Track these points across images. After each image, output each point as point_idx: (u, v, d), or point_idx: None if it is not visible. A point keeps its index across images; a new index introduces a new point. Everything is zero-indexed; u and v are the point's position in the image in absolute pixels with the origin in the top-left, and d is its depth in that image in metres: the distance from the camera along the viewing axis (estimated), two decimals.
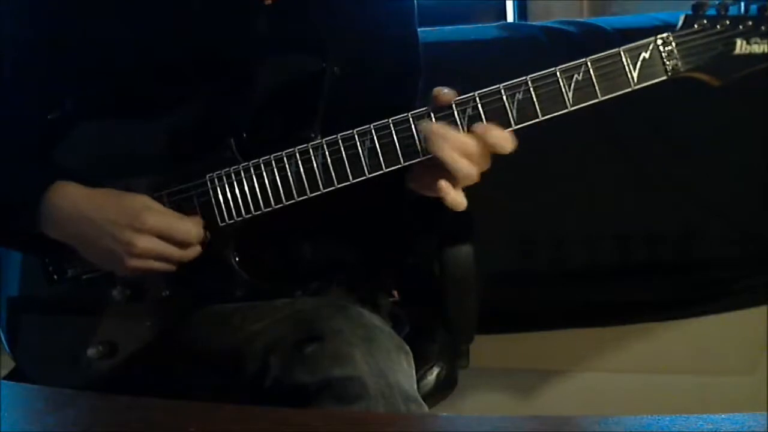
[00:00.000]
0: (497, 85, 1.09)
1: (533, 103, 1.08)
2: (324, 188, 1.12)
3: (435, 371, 1.39)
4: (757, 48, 1.08)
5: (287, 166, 1.13)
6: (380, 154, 1.10)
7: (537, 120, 1.09)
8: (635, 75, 1.08)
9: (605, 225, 1.88)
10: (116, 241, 1.12)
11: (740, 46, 1.08)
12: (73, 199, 1.15)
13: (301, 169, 1.12)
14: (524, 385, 2.08)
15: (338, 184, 1.12)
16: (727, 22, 1.08)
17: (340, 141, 1.11)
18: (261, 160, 1.14)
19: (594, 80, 1.08)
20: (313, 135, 1.13)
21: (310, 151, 1.12)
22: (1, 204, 1.19)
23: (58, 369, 1.22)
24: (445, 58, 1.75)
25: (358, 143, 1.11)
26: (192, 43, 1.20)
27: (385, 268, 1.38)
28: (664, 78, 1.08)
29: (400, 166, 1.10)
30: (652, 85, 1.09)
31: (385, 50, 1.27)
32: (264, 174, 1.14)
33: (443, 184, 1.07)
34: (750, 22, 1.08)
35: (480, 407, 2.02)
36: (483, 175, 1.10)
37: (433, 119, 1.09)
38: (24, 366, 1.26)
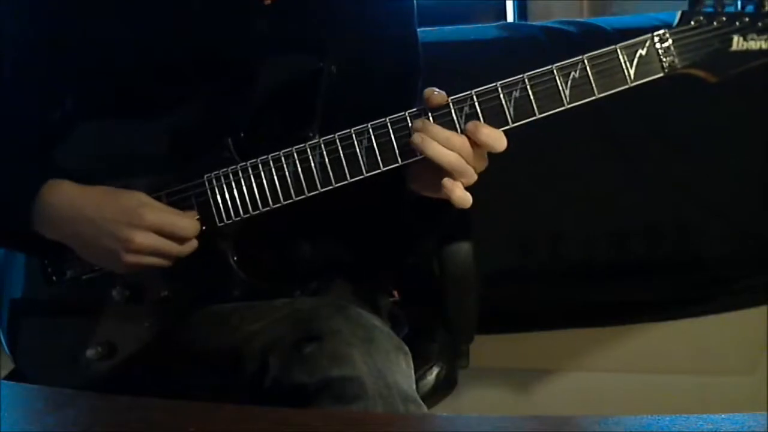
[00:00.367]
0: (494, 83, 1.08)
1: (530, 100, 1.08)
2: (322, 188, 1.12)
3: (435, 371, 1.39)
4: (754, 44, 1.07)
5: (285, 165, 1.13)
6: (378, 153, 1.10)
7: (534, 118, 1.09)
8: (632, 72, 1.08)
9: (605, 224, 1.88)
10: (114, 238, 1.11)
11: (737, 43, 1.08)
12: (67, 198, 1.15)
13: (299, 169, 1.12)
14: (524, 385, 2.08)
15: (336, 183, 1.11)
16: (724, 19, 1.08)
17: (337, 140, 1.11)
18: (259, 160, 1.14)
19: (591, 78, 1.08)
20: (311, 135, 1.13)
21: (308, 150, 1.12)
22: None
23: (57, 370, 1.22)
24: (445, 58, 1.75)
25: (355, 142, 1.11)
26: (191, 43, 1.20)
27: (384, 268, 1.39)
28: (661, 75, 1.08)
29: (397, 165, 1.10)
30: (649, 82, 1.09)
31: (384, 50, 1.27)
32: (262, 174, 1.14)
33: (448, 181, 1.07)
34: (746, 19, 1.08)
35: (480, 407, 2.02)
36: (481, 174, 1.10)
37: (431, 118, 1.09)
38: (23, 367, 1.26)
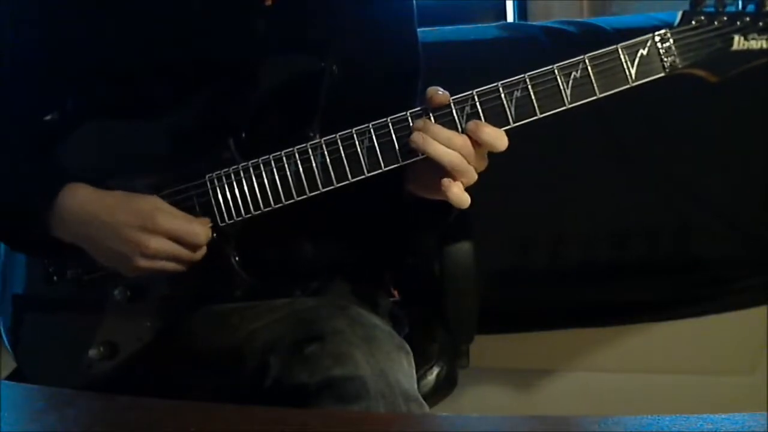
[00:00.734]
0: (495, 83, 1.08)
1: (531, 100, 1.08)
2: (323, 188, 1.12)
3: (435, 371, 1.39)
4: (755, 44, 1.08)
5: (286, 165, 1.13)
6: (379, 153, 1.10)
7: (535, 118, 1.09)
8: (633, 72, 1.08)
9: (605, 225, 1.88)
10: (128, 242, 1.12)
11: (738, 42, 1.08)
12: (82, 201, 1.15)
13: (300, 169, 1.12)
14: (524, 385, 2.08)
15: (337, 183, 1.12)
16: (725, 19, 1.08)
17: (338, 140, 1.11)
18: (260, 160, 1.14)
19: (592, 77, 1.08)
20: (312, 135, 1.13)
21: (309, 150, 1.12)
22: (11, 210, 1.19)
23: (59, 369, 1.22)
24: (445, 58, 1.75)
25: (356, 142, 1.11)
26: (192, 44, 1.20)
27: (385, 268, 1.39)
28: (662, 75, 1.08)
29: (398, 165, 1.10)
30: (650, 82, 1.09)
31: (384, 50, 1.27)
32: (263, 174, 1.14)
33: (446, 181, 1.07)
34: (747, 18, 1.08)
35: (480, 407, 2.02)
36: (482, 174, 1.10)
37: (432, 118, 1.09)
38: (25, 367, 1.26)
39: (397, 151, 1.10)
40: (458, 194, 1.07)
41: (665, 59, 1.08)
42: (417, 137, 1.07)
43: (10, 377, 1.31)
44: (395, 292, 1.39)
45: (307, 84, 1.16)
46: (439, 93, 1.08)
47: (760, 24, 1.07)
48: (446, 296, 1.45)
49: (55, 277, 1.23)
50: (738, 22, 1.08)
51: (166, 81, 1.19)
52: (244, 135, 1.17)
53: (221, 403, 0.91)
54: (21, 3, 1.26)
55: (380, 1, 1.32)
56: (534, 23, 2.04)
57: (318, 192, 1.12)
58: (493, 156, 1.10)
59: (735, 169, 1.87)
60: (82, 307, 1.21)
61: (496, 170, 1.11)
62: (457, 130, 1.08)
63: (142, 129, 1.20)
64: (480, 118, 1.08)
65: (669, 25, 1.10)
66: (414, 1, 1.34)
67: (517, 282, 1.89)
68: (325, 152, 1.12)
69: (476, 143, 1.07)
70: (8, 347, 1.27)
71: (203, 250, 1.15)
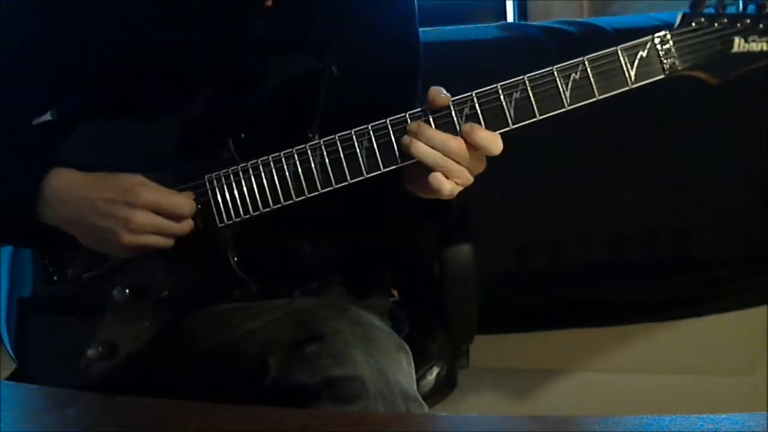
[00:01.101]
0: (494, 85, 1.08)
1: (530, 102, 1.08)
2: (322, 188, 1.12)
3: (435, 371, 1.39)
4: (755, 46, 1.07)
5: (285, 166, 1.13)
6: (378, 154, 1.10)
7: (534, 119, 1.09)
8: (633, 74, 1.08)
9: (605, 225, 1.88)
10: (112, 217, 1.12)
11: (738, 44, 1.08)
12: (69, 182, 1.15)
13: (300, 170, 1.12)
14: (524, 385, 2.08)
15: (336, 184, 1.11)
16: (725, 20, 1.08)
17: (338, 141, 1.11)
18: (259, 161, 1.14)
19: (591, 79, 1.08)
20: (311, 136, 1.13)
21: (308, 151, 1.12)
22: (3, 201, 1.19)
23: (58, 369, 1.22)
24: (445, 58, 1.75)
25: (356, 143, 1.11)
26: (192, 44, 1.20)
27: (384, 268, 1.39)
28: (662, 77, 1.08)
29: (397, 165, 1.10)
30: (650, 84, 1.09)
31: (384, 51, 1.27)
32: (262, 174, 1.14)
33: (437, 175, 1.07)
34: (748, 20, 1.07)
35: (480, 407, 2.02)
36: (482, 175, 1.10)
37: (431, 119, 1.09)
38: (26, 366, 1.26)
39: (396, 152, 1.10)
40: (443, 183, 1.07)
41: (665, 61, 1.08)
42: (405, 140, 1.07)
43: (10, 377, 1.31)
44: (395, 292, 1.39)
45: (307, 85, 1.16)
46: (442, 95, 1.08)
47: (761, 26, 1.07)
48: (446, 296, 1.45)
49: (55, 277, 1.23)
50: (738, 24, 1.08)
51: (165, 81, 1.19)
52: (243, 136, 1.17)
53: (221, 403, 0.91)
54: (21, 2, 1.26)
55: (381, 2, 1.32)
56: (534, 23, 2.04)
57: (317, 193, 1.12)
58: (493, 157, 1.10)
59: (735, 169, 1.87)
60: (82, 307, 1.21)
61: (496, 171, 1.11)
62: (455, 131, 1.08)
63: (142, 129, 1.20)
64: (479, 120, 1.08)
65: (669, 26, 1.10)
66: (415, 3, 1.34)
67: (517, 282, 1.89)
68: (324, 153, 1.12)
69: (471, 146, 1.07)
70: (8, 347, 1.27)
71: (189, 223, 1.14)
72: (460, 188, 1.09)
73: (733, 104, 1.76)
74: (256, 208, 1.14)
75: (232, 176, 1.15)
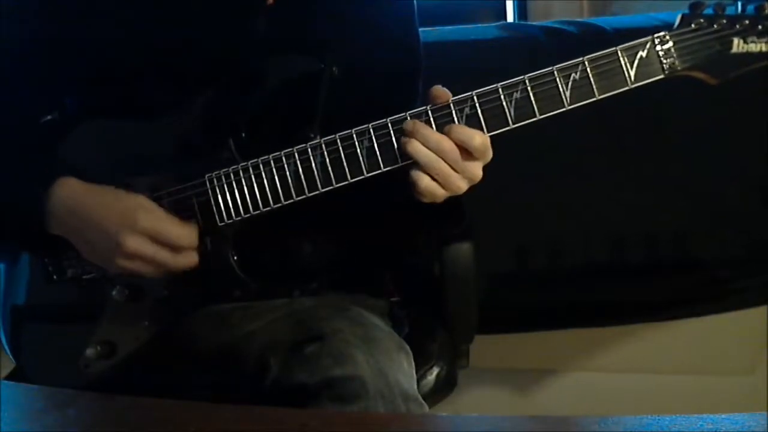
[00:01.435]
0: (495, 85, 1.09)
1: (531, 102, 1.08)
2: (322, 188, 1.12)
3: (435, 371, 1.39)
4: (754, 47, 1.08)
5: (286, 166, 1.13)
6: (378, 154, 1.10)
7: (534, 119, 1.09)
8: (632, 74, 1.08)
9: (605, 225, 1.88)
10: (108, 239, 1.11)
11: (737, 45, 1.08)
12: (73, 194, 1.15)
13: (300, 169, 1.12)
14: (524, 385, 2.08)
15: (337, 183, 1.12)
16: (724, 21, 1.08)
17: (338, 141, 1.11)
18: (260, 160, 1.14)
19: (591, 79, 1.08)
20: (312, 135, 1.13)
21: (309, 151, 1.12)
22: (4, 200, 1.19)
23: (57, 369, 1.22)
24: (445, 58, 1.75)
25: (356, 143, 1.11)
26: (193, 43, 1.20)
27: (385, 268, 1.38)
28: (662, 77, 1.09)
29: (398, 165, 1.10)
30: (649, 84, 1.09)
31: (384, 51, 1.27)
32: (263, 174, 1.14)
33: (414, 172, 1.07)
34: (747, 21, 1.08)
35: (480, 407, 2.02)
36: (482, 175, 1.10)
37: (432, 119, 1.09)
38: (24, 366, 1.26)
39: (397, 151, 1.10)
40: (428, 186, 1.07)
41: (664, 61, 1.08)
42: (402, 138, 1.08)
43: (9, 377, 1.31)
44: (395, 292, 1.39)
45: (308, 85, 1.16)
46: (442, 91, 1.09)
47: (759, 27, 1.07)
48: (446, 296, 1.45)
49: (54, 277, 1.23)
50: (737, 25, 1.08)
51: (166, 80, 1.19)
52: (244, 135, 1.17)
53: (221, 403, 0.91)
54: (21, 2, 1.26)
55: (381, 1, 1.32)
56: (534, 23, 2.04)
57: (317, 192, 1.12)
58: (494, 156, 1.10)
59: (734, 169, 1.87)
60: (81, 307, 1.21)
61: (496, 171, 1.11)
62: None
63: (142, 129, 1.20)
64: (479, 120, 1.08)
65: (669, 26, 1.10)
66: (414, 2, 1.34)
67: (517, 282, 1.89)
68: (325, 153, 1.12)
69: (463, 149, 1.07)
70: (6, 346, 1.27)
71: (191, 256, 1.13)
72: (446, 194, 1.09)
73: (733, 104, 1.76)
74: (256, 207, 1.14)
75: (232, 175, 1.15)
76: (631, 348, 2.02)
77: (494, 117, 1.09)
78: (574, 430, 0.92)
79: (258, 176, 1.14)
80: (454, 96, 1.10)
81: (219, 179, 1.15)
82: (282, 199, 1.13)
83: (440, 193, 1.08)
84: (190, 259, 1.13)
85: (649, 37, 1.08)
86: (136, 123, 1.20)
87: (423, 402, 1.10)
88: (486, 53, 1.87)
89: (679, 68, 1.09)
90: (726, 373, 2.00)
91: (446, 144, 1.07)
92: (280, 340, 1.10)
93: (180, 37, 1.19)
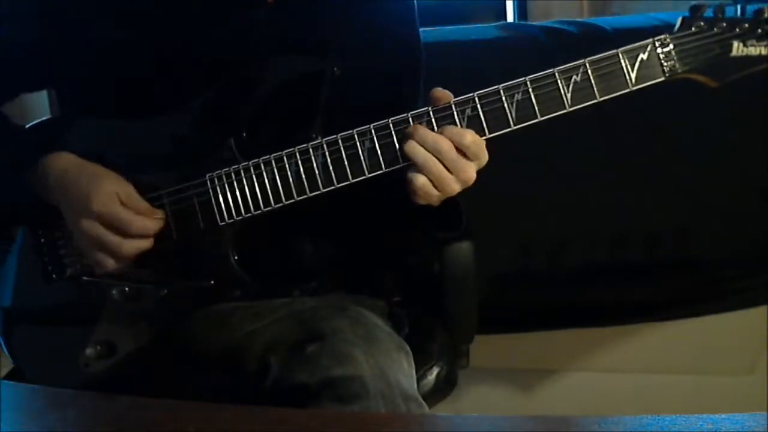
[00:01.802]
0: (496, 86, 1.09)
1: (532, 103, 1.08)
2: (324, 188, 1.12)
3: (435, 371, 1.39)
4: (754, 50, 1.08)
5: (287, 165, 1.13)
6: (380, 155, 1.10)
7: (536, 120, 1.09)
8: (633, 76, 1.08)
9: (605, 225, 1.88)
10: (72, 214, 1.14)
11: (737, 48, 1.08)
12: (65, 166, 1.16)
13: (301, 169, 1.12)
14: (524, 385, 2.08)
15: (338, 183, 1.12)
16: (724, 25, 1.09)
17: (339, 141, 1.11)
18: (261, 160, 1.14)
19: (592, 81, 1.08)
20: (314, 135, 1.13)
21: (310, 150, 1.12)
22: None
23: (56, 369, 1.22)
24: (445, 58, 1.75)
25: (357, 143, 1.11)
26: (193, 42, 1.20)
27: (385, 268, 1.38)
28: (662, 79, 1.09)
29: (399, 166, 1.10)
30: (650, 86, 1.09)
31: (385, 50, 1.27)
32: (264, 174, 1.14)
33: (410, 174, 1.07)
34: (746, 25, 1.08)
35: (480, 407, 2.02)
36: (482, 175, 1.10)
37: (434, 120, 1.09)
38: (22, 366, 1.26)
39: (398, 152, 1.10)
40: (423, 186, 1.07)
41: (665, 64, 1.09)
42: (402, 140, 1.08)
43: (8, 376, 1.31)
44: (395, 292, 1.39)
45: (308, 84, 1.16)
46: (443, 92, 1.09)
47: (759, 31, 1.08)
48: (446, 296, 1.45)
49: (53, 275, 1.23)
50: (737, 29, 1.08)
51: (166, 80, 1.19)
52: (245, 135, 1.17)
53: (221, 403, 0.91)
54: (24, 3, 1.26)
55: (382, 1, 1.32)
56: (534, 23, 2.04)
57: (318, 192, 1.12)
58: (495, 157, 1.10)
59: (735, 170, 1.87)
60: (80, 306, 1.21)
61: (496, 171, 1.11)
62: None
63: (144, 128, 1.20)
64: (481, 121, 1.09)
65: (669, 26, 1.10)
66: (415, 2, 1.34)
67: (517, 282, 1.89)
68: (326, 152, 1.12)
69: (459, 150, 1.07)
70: (4, 347, 1.27)
71: (137, 244, 1.14)
72: (440, 195, 1.09)
73: (733, 106, 1.77)
74: (257, 207, 1.14)
75: (233, 175, 1.15)
76: (631, 348, 2.02)
77: (495, 118, 1.09)
78: (574, 430, 0.92)
79: (259, 176, 1.14)
80: (455, 97, 1.10)
81: (220, 179, 1.15)
82: (283, 198, 1.13)
83: (434, 193, 1.09)
84: (137, 245, 1.14)
85: (650, 40, 1.09)
86: (137, 123, 1.20)
87: (423, 402, 1.10)
88: (486, 53, 1.87)
89: (679, 71, 1.09)
90: (726, 373, 2.00)
91: (444, 144, 1.07)
92: (281, 340, 1.10)
93: (180, 37, 1.20)
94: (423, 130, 1.08)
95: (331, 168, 1.12)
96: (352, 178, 1.11)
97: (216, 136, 1.17)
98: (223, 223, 1.16)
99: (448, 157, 1.07)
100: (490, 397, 2.07)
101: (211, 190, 1.16)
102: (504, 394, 2.09)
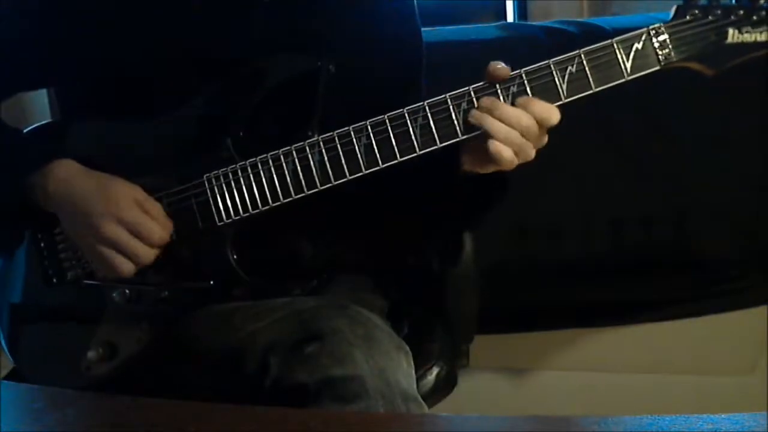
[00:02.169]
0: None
1: (528, 95, 1.08)
2: (321, 186, 1.12)
3: (435, 371, 1.39)
4: (749, 37, 1.08)
5: (284, 164, 1.13)
6: (376, 151, 1.10)
7: None
8: (628, 66, 1.08)
9: (604, 225, 1.88)
10: (89, 220, 1.13)
11: (732, 35, 1.08)
12: (68, 175, 1.16)
13: (299, 168, 1.12)
14: (524, 385, 2.08)
15: (335, 181, 1.12)
16: (719, 12, 1.09)
17: (336, 138, 1.11)
18: (258, 159, 1.14)
19: (588, 72, 1.08)
20: (310, 133, 1.13)
21: (307, 149, 1.12)
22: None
23: (58, 371, 1.22)
24: (445, 58, 1.75)
25: (354, 140, 1.11)
26: (190, 42, 1.19)
27: (385, 267, 1.38)
28: (657, 68, 1.09)
29: (395, 162, 1.11)
30: (650, 80, 1.09)
31: (383, 48, 1.27)
32: (261, 173, 1.14)
33: (496, 143, 1.07)
34: (741, 12, 1.08)
35: (480, 407, 2.02)
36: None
37: (429, 113, 1.09)
38: (24, 369, 1.26)
39: (395, 148, 1.10)
40: (500, 151, 1.08)
41: (660, 53, 1.08)
42: (476, 114, 1.08)
43: (9, 377, 1.31)
44: (395, 292, 1.39)
45: (306, 83, 1.16)
46: (499, 67, 1.10)
47: (754, 17, 1.08)
48: (446, 296, 1.45)
49: (54, 279, 1.23)
50: (732, 16, 1.08)
51: (163, 80, 1.19)
52: (242, 134, 1.17)
53: (221, 403, 0.91)
54: (24, 3, 1.26)
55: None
56: (534, 23, 2.04)
57: (316, 190, 1.12)
58: None
59: (735, 169, 1.87)
60: (82, 309, 1.21)
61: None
62: (455, 126, 1.09)
63: (140, 129, 1.20)
64: None
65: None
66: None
67: (516, 282, 1.89)
68: (323, 150, 1.12)
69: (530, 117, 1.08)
70: (6, 349, 1.27)
71: (154, 252, 1.14)
72: (519, 161, 1.10)
73: (733, 101, 1.76)
74: (255, 206, 1.14)
75: (231, 175, 1.15)
76: (631, 348, 2.02)
77: None
78: (574, 430, 0.92)
79: (257, 175, 1.14)
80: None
81: (218, 179, 1.15)
82: (281, 197, 1.13)
83: (509, 156, 1.09)
84: (153, 254, 1.14)
85: (645, 29, 1.09)
86: (134, 123, 1.20)
87: (422, 402, 1.10)
88: (486, 53, 1.86)
89: (674, 59, 1.09)
90: (726, 373, 1.99)
91: (525, 119, 1.07)
92: (281, 339, 1.10)
93: (177, 36, 1.19)
94: (504, 107, 1.08)
95: (328, 166, 1.12)
96: (350, 175, 1.11)
97: (213, 135, 1.17)
98: (222, 223, 1.16)
99: (532, 131, 1.08)
100: (490, 397, 2.07)
101: (208, 190, 1.16)
102: (504, 394, 2.08)
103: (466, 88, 1.10)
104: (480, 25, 2.00)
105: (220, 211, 1.15)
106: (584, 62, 1.08)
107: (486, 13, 2.33)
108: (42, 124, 1.30)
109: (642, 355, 2.02)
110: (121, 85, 1.20)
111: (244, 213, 1.15)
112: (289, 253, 1.26)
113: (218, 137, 1.16)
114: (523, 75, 1.09)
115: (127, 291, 1.19)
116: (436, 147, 1.10)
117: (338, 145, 1.11)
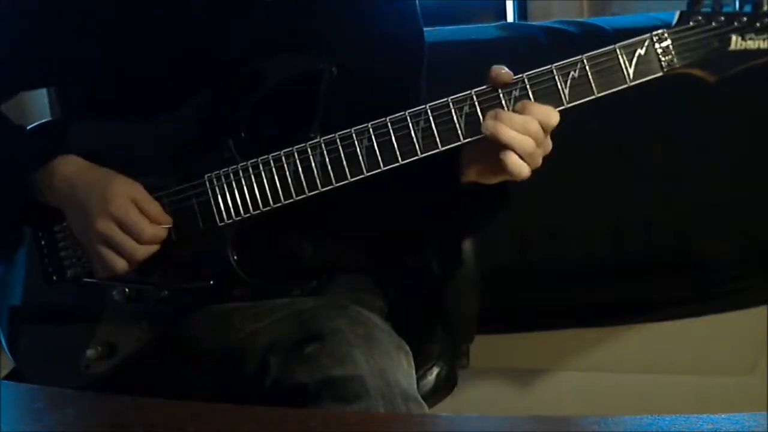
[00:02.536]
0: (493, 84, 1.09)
1: (530, 100, 1.08)
2: (322, 187, 1.12)
3: (435, 371, 1.39)
4: (752, 44, 1.08)
5: (285, 165, 1.13)
6: (378, 153, 1.10)
7: None
8: (631, 71, 1.08)
9: (604, 225, 1.88)
10: (85, 217, 1.14)
11: (735, 42, 1.08)
12: (72, 170, 1.17)
13: (300, 169, 1.13)
14: (524, 385, 2.08)
15: (336, 183, 1.12)
16: (722, 19, 1.08)
17: (338, 140, 1.11)
18: (259, 160, 1.14)
19: (590, 77, 1.08)
20: (312, 135, 1.13)
21: (308, 150, 1.12)
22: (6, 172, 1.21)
23: (57, 370, 1.22)
24: (445, 58, 1.75)
25: (356, 142, 1.11)
26: (191, 42, 1.19)
27: (384, 268, 1.38)
28: (660, 74, 1.09)
29: (397, 164, 1.11)
30: (649, 82, 1.09)
31: (384, 50, 1.27)
32: (262, 173, 1.14)
33: (513, 156, 1.07)
34: (745, 19, 1.08)
35: (480, 407, 2.02)
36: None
37: (431, 117, 1.09)
38: (24, 368, 1.26)
39: (397, 150, 1.10)
40: (517, 163, 1.07)
41: (663, 59, 1.08)
42: (488, 123, 1.07)
43: (9, 377, 1.31)
44: (395, 292, 1.39)
45: (307, 84, 1.16)
46: (503, 72, 1.08)
47: (757, 24, 1.07)
48: (446, 296, 1.45)
49: (54, 277, 1.23)
50: (735, 23, 1.08)
51: (165, 80, 1.19)
52: (243, 135, 1.17)
53: (221, 403, 0.91)
54: (24, 3, 1.26)
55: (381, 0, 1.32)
56: (534, 23, 2.04)
57: (317, 191, 1.12)
58: None
59: (735, 169, 1.87)
60: (81, 308, 1.21)
61: None
62: (459, 129, 1.09)
63: (142, 129, 1.20)
64: (479, 119, 1.08)
65: (669, 25, 1.10)
66: (416, 0, 1.34)
67: (517, 282, 1.89)
68: (324, 152, 1.12)
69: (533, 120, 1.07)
70: (5, 347, 1.27)
71: (144, 249, 1.14)
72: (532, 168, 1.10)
73: (733, 103, 1.76)
74: (256, 206, 1.14)
75: (232, 175, 1.15)
76: (631, 348, 2.02)
77: None
78: (574, 430, 0.92)
79: (258, 176, 1.14)
80: (453, 95, 1.10)
81: (219, 179, 1.15)
82: (282, 198, 1.13)
83: (526, 170, 1.08)
84: (146, 250, 1.15)
85: (648, 35, 1.08)
86: (136, 123, 1.20)
87: (422, 402, 1.10)
88: (486, 53, 1.86)
89: (677, 66, 1.09)
90: (726, 373, 1.99)
91: (532, 125, 1.07)
92: (281, 340, 1.10)
93: (179, 36, 1.19)
94: (509, 114, 1.07)
95: (329, 167, 1.12)
96: (351, 177, 1.11)
97: (214, 136, 1.17)
98: (223, 224, 1.16)
99: (539, 136, 1.07)
100: (490, 397, 2.07)
101: (210, 191, 1.16)
102: (504, 394, 2.08)
103: (468, 91, 1.09)
104: (480, 25, 2.00)
105: (221, 211, 1.16)
106: (587, 67, 1.08)
107: (486, 13, 2.33)
108: (43, 122, 1.30)
109: (642, 355, 2.02)
110: (121, 85, 1.20)
111: (245, 213, 1.15)
112: (289, 253, 1.26)
113: (219, 137, 1.16)
114: (525, 80, 1.08)
115: (126, 290, 1.19)
116: (437, 150, 1.10)
117: (340, 147, 1.11)
